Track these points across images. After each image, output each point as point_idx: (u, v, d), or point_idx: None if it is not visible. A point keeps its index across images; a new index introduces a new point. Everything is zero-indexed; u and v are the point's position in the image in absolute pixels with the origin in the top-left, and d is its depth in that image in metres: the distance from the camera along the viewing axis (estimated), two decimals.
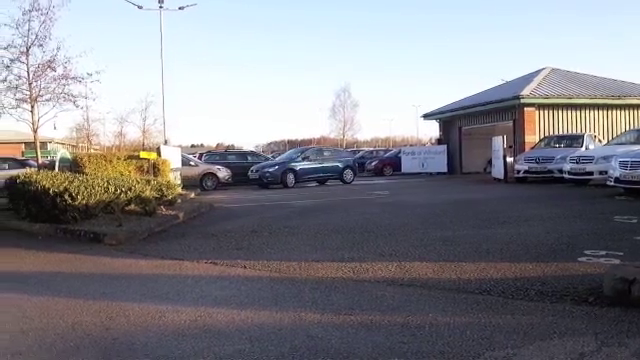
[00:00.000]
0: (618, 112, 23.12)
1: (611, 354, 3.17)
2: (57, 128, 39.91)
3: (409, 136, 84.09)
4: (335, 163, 22.75)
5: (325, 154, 23.60)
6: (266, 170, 21.43)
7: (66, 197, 8.72)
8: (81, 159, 14.06)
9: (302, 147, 31.94)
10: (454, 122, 28.44)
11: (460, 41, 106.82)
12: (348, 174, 22.73)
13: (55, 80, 13.35)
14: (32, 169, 13.71)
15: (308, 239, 7.73)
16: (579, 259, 5.62)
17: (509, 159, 19.52)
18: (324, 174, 22.43)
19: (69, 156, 15.45)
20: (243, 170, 23.41)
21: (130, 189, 9.91)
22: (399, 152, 32.49)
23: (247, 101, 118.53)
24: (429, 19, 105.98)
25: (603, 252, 5.89)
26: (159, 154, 15.99)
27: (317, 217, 10.47)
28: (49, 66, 13.22)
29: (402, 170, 29.56)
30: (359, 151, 42.45)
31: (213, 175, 21.18)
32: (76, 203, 8.79)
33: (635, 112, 23.26)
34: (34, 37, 13.04)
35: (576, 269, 5.23)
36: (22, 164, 19.19)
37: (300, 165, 21.72)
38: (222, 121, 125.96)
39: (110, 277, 5.93)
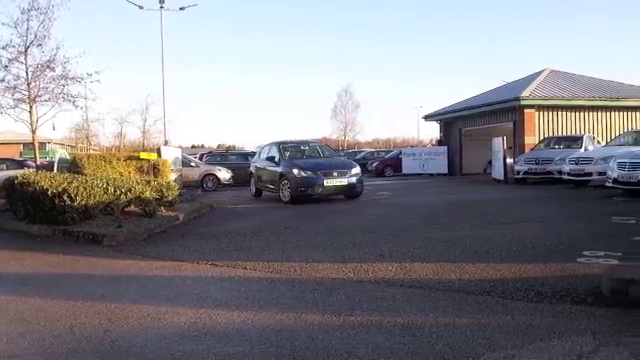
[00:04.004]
0: (616, 114, 23.17)
1: (609, 354, 3.18)
2: (56, 129, 39.93)
3: (410, 137, 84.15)
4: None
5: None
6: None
7: (65, 198, 8.71)
8: (80, 160, 14.05)
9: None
10: (455, 123, 28.47)
11: (461, 42, 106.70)
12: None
13: (54, 80, 13.37)
14: (30, 170, 13.75)
15: (309, 240, 7.74)
16: (578, 260, 5.63)
17: (509, 160, 19.52)
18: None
19: (68, 157, 15.46)
20: (244, 171, 23.40)
21: (130, 190, 9.90)
22: (400, 153, 32.51)
23: (248, 102, 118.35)
24: (431, 20, 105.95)
25: (602, 253, 5.89)
26: (159, 155, 15.98)
27: (318, 218, 10.47)
28: (48, 66, 13.23)
29: (403, 171, 29.56)
30: (360, 152, 42.45)
31: (214, 176, 21.19)
32: (75, 204, 8.78)
33: (633, 114, 23.32)
34: (33, 37, 13.07)
35: (575, 270, 5.24)
36: (20, 165, 19.12)
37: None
38: (223, 122, 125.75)
39: (109, 279, 5.93)
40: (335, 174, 13.39)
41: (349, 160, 17.55)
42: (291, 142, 16.34)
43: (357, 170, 14.05)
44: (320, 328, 3.86)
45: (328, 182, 13.20)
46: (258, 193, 15.93)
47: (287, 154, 14.74)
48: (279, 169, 14.03)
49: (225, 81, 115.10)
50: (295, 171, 13.42)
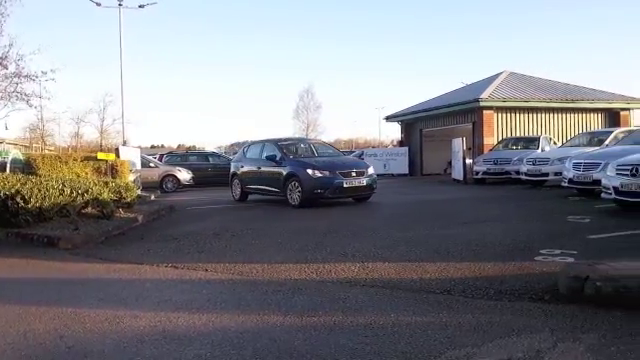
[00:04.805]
0: (572, 115, 23.93)
1: (566, 350, 3.25)
2: (9, 128, 38.61)
3: (372, 138, 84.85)
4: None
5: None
6: None
7: (18, 200, 8.42)
8: (35, 160, 13.68)
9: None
10: (415, 124, 28.85)
11: (422, 44, 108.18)
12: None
13: (7, 78, 12.98)
14: None
15: (271, 241, 7.69)
16: (535, 258, 5.76)
17: (468, 161, 19.89)
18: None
19: (22, 157, 14.98)
20: (205, 171, 23.16)
21: (87, 191, 9.66)
22: (362, 154, 32.70)
23: (209, 102, 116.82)
24: (392, 20, 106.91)
25: (558, 251, 6.05)
26: (118, 155, 15.70)
27: (280, 219, 10.43)
28: (0, 63, 12.81)
29: None
30: None
31: (174, 177, 20.89)
32: (29, 206, 8.50)
33: (588, 115, 24.13)
34: None
35: (533, 268, 5.36)
36: None
37: None
38: (183, 122, 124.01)
39: (65, 282, 5.75)
40: (354, 174, 12.33)
41: (361, 159, 16.63)
42: (288, 139, 15.17)
43: (372, 169, 13.07)
44: (282, 329, 3.83)
45: (347, 182, 12.13)
46: (243, 196, 14.59)
47: (291, 152, 13.55)
48: (284, 169, 12.66)
49: (185, 81, 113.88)
50: (309, 171, 12.08)
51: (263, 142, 14.58)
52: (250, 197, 14.61)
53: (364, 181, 12.41)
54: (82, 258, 6.99)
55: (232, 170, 15.28)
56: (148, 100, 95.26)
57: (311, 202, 12.06)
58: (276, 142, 14.01)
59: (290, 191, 12.42)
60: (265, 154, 13.70)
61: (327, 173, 12.10)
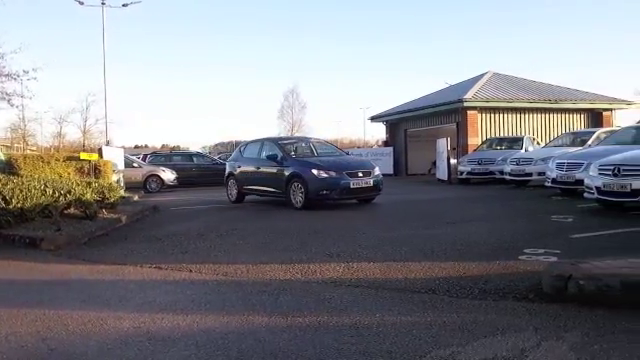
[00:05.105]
0: (555, 115, 24.20)
1: (550, 348, 3.28)
2: None
3: (356, 138, 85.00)
4: None
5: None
6: None
7: None
8: (16, 160, 13.46)
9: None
10: (400, 124, 28.96)
11: (407, 44, 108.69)
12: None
13: None
14: None
15: (256, 241, 7.66)
16: (520, 257, 5.80)
17: (453, 161, 20.01)
18: None
19: (3, 157, 14.77)
20: (189, 172, 23.03)
21: (70, 192, 9.55)
22: (347, 154, 32.69)
23: (194, 101, 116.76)
24: (378, 20, 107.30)
25: (542, 250, 6.10)
26: (101, 155, 15.52)
27: (265, 219, 10.41)
28: None
29: None
30: None
31: (157, 177, 20.71)
32: (10, 207, 8.38)
33: (571, 116, 24.41)
34: None
35: (517, 267, 5.40)
36: None
37: None
38: (167, 122, 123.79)
39: (47, 284, 5.68)
40: (360, 174, 11.88)
41: (366, 158, 16.27)
42: (289, 138, 14.67)
43: (378, 170, 12.62)
44: (267, 330, 3.81)
45: (354, 183, 11.67)
46: (240, 197, 14.01)
47: (292, 152, 13.20)
48: (287, 169, 12.16)
49: (169, 81, 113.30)
50: (314, 171, 11.61)
51: (261, 141, 14.15)
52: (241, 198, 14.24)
53: (371, 181, 12.01)
54: (65, 259, 6.91)
55: (228, 170, 14.65)
56: (132, 100, 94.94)
57: (315, 204, 11.61)
58: (276, 141, 13.64)
59: (293, 192, 11.91)
60: (265, 153, 13.25)
61: (333, 173, 11.65)
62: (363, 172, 11.99)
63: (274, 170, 12.59)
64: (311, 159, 12.67)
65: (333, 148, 14.82)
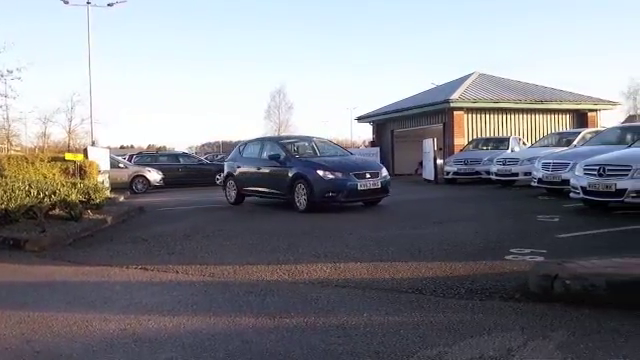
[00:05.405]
0: (541, 116, 24.39)
1: (536, 347, 3.29)
2: None
3: (343, 138, 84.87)
4: None
5: None
6: None
7: None
8: (0, 161, 13.33)
9: None
10: (387, 125, 29.04)
11: (393, 45, 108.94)
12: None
13: None
14: None
15: (243, 242, 7.63)
16: (506, 257, 5.83)
17: (439, 161, 20.10)
18: None
19: None
20: (175, 172, 22.91)
21: (54, 193, 9.46)
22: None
23: (180, 102, 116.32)
24: (363, 21, 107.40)
25: (528, 250, 6.13)
26: (86, 156, 15.41)
27: (252, 220, 10.37)
28: None
29: None
30: None
31: (144, 177, 20.56)
32: None
33: (556, 116, 24.63)
34: None
35: (503, 267, 5.42)
36: None
37: None
38: (153, 123, 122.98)
39: (32, 285, 5.61)
40: (368, 175, 11.31)
41: (372, 159, 15.74)
42: (290, 137, 14.06)
43: (385, 170, 12.15)
44: (254, 331, 3.80)
45: (362, 185, 11.11)
46: (240, 199, 13.40)
47: (295, 151, 12.67)
48: (290, 170, 11.60)
49: (155, 81, 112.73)
50: (320, 172, 11.07)
51: (262, 140, 13.76)
52: (222, 198, 14.05)
53: (379, 183, 11.44)
54: (49, 260, 6.84)
55: (226, 170, 14.09)
56: (117, 100, 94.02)
57: (321, 206, 11.12)
58: (277, 140, 13.25)
59: (297, 194, 11.36)
60: (266, 153, 12.69)
61: (339, 174, 11.10)
62: (371, 173, 11.46)
63: (276, 171, 12.12)
64: (316, 159, 12.14)
65: (337, 148, 14.26)
